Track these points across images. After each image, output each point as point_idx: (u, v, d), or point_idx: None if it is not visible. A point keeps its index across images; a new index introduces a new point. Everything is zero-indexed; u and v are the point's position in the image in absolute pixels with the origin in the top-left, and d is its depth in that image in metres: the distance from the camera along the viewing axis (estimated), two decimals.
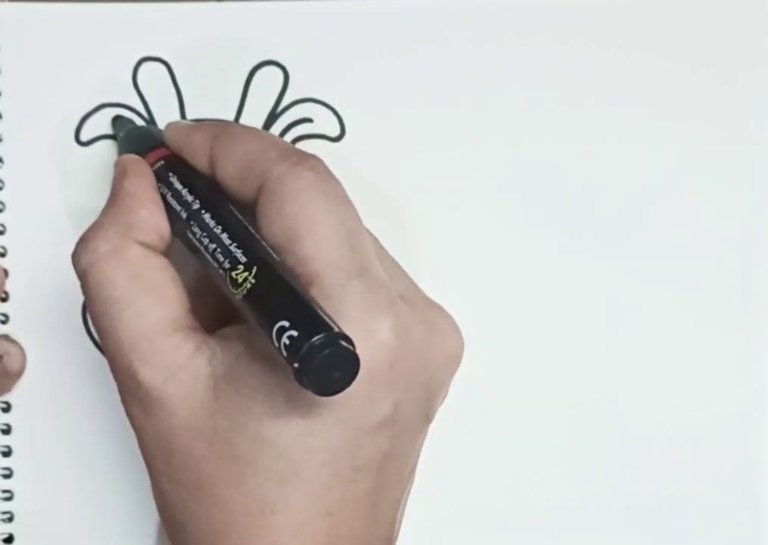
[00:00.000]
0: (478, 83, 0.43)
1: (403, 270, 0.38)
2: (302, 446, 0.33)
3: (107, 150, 0.43)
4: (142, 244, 0.36)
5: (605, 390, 0.43)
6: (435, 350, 0.36)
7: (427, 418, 0.36)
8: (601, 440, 0.43)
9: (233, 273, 0.34)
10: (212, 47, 0.42)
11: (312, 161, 0.36)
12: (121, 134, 0.41)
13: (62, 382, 0.43)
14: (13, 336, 0.43)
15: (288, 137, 0.43)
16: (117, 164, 0.39)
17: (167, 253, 0.37)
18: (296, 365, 0.31)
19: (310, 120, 0.43)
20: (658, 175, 0.43)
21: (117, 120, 0.42)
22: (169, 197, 0.37)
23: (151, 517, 0.43)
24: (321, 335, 0.31)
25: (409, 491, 0.37)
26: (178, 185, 0.37)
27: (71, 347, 0.43)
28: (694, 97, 0.43)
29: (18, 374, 0.42)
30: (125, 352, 0.35)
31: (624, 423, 0.43)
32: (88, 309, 0.37)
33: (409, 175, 0.43)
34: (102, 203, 0.42)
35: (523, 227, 0.43)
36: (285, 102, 0.43)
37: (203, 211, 0.36)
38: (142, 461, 0.42)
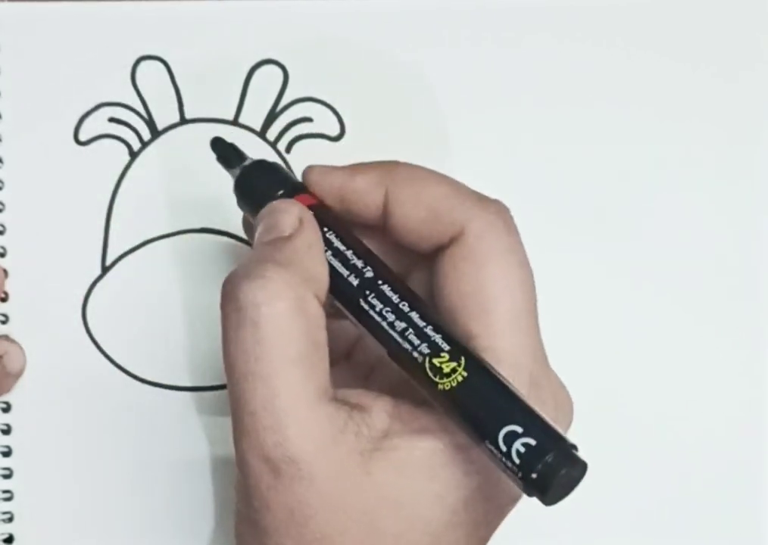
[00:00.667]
0: (478, 83, 0.43)
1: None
2: (452, 525, 0.33)
3: (106, 149, 0.43)
4: (318, 299, 0.33)
5: (605, 389, 0.43)
6: (565, 426, 0.35)
7: None
8: (601, 440, 0.43)
9: (435, 361, 0.32)
10: (211, 46, 0.42)
11: (507, 216, 0.34)
12: (238, 171, 0.37)
13: (62, 382, 0.43)
14: (13, 336, 0.43)
15: (288, 136, 0.43)
16: (288, 211, 0.34)
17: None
18: (533, 476, 0.30)
19: (309, 120, 0.43)
20: (658, 175, 0.43)
21: (219, 146, 0.38)
22: (329, 255, 0.34)
23: (151, 517, 0.43)
24: (557, 450, 0.30)
25: None
26: (339, 245, 0.34)
27: (71, 347, 0.43)
28: (694, 96, 0.43)
29: (18, 374, 0.42)
30: (279, 414, 0.32)
31: (624, 423, 0.43)
32: (236, 347, 0.32)
33: None
34: (101, 203, 0.43)
35: (523, 226, 0.43)
36: (284, 101, 0.43)
37: (379, 281, 0.33)
38: (141, 461, 0.43)
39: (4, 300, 0.43)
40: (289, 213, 0.34)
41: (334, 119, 0.43)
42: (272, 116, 0.43)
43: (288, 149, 0.43)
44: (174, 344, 0.43)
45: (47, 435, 0.43)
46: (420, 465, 0.33)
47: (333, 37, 0.43)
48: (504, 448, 0.30)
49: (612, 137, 0.43)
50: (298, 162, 0.43)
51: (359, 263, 0.34)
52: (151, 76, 0.42)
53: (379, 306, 0.33)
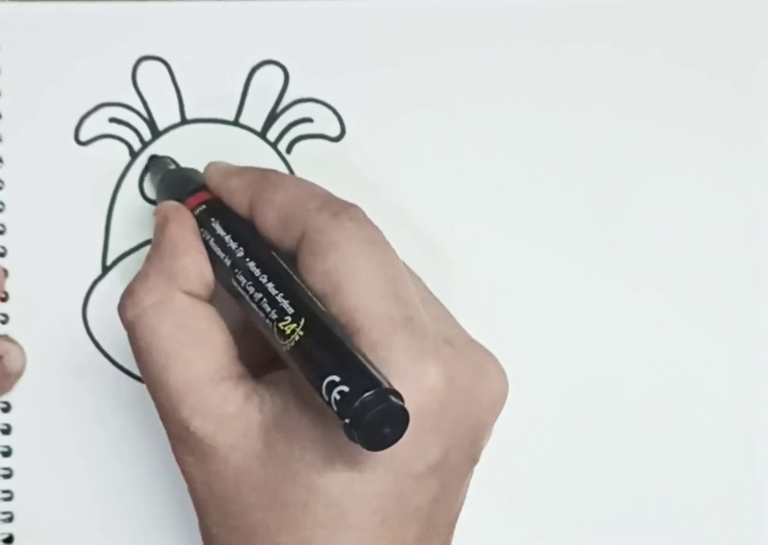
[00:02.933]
0: (478, 83, 0.43)
1: (446, 310, 0.38)
2: (353, 494, 0.34)
3: (106, 149, 0.43)
4: (187, 292, 0.36)
5: (605, 389, 0.43)
6: (481, 393, 0.36)
7: (474, 460, 0.37)
8: (601, 439, 0.43)
9: (281, 324, 0.34)
10: (212, 46, 0.42)
11: (352, 210, 0.36)
12: (159, 176, 0.41)
13: (62, 382, 0.43)
14: (13, 336, 0.42)
15: (289, 137, 0.43)
16: (157, 212, 0.39)
17: (211, 299, 0.37)
18: (347, 420, 0.31)
19: (310, 120, 0.43)
20: (658, 175, 0.43)
21: (153, 161, 0.42)
22: (212, 243, 0.37)
23: (151, 517, 0.43)
24: (372, 392, 0.31)
25: (453, 532, 0.37)
26: (220, 231, 0.37)
27: (71, 347, 0.43)
28: (694, 97, 0.43)
29: (18, 374, 0.42)
30: (174, 402, 0.35)
31: (624, 423, 0.44)
32: (136, 361, 0.37)
33: (409, 175, 0.43)
34: (102, 203, 0.43)
35: (523, 226, 0.43)
36: (285, 102, 0.43)
37: (247, 259, 0.36)
38: (141, 460, 0.43)
39: (4, 300, 0.42)
40: (158, 213, 0.38)
41: (334, 119, 0.43)
42: (272, 117, 0.43)
43: (289, 149, 0.43)
44: None
45: (47, 435, 0.43)
46: (306, 435, 0.34)
47: (333, 37, 0.43)
48: (326, 397, 0.31)
49: (612, 137, 0.43)
50: (298, 162, 0.43)
51: (233, 245, 0.37)
52: (152, 76, 0.42)
53: (243, 281, 0.36)
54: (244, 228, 0.37)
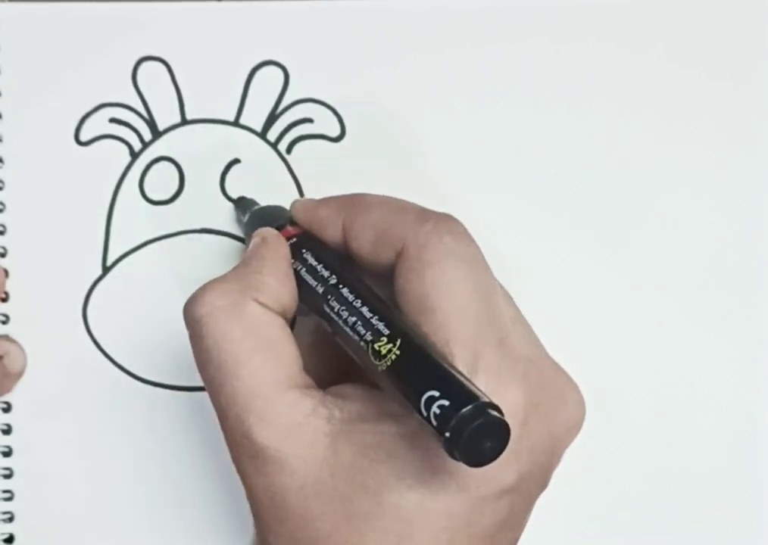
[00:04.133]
0: (479, 83, 0.43)
1: (531, 329, 0.37)
2: (423, 511, 0.33)
3: (106, 150, 0.43)
4: (260, 303, 0.36)
5: (605, 389, 0.43)
6: (560, 420, 0.36)
7: (543, 486, 0.36)
8: (601, 439, 0.43)
9: (376, 345, 0.34)
10: (212, 47, 0.42)
11: (451, 223, 0.36)
12: (247, 215, 0.42)
13: (62, 382, 0.43)
14: (13, 336, 0.43)
15: (289, 137, 0.43)
16: (256, 235, 0.39)
17: (284, 318, 0.37)
18: (447, 434, 0.30)
19: (310, 120, 0.43)
20: (659, 175, 0.43)
21: (240, 202, 0.43)
22: (303, 272, 0.38)
23: (150, 517, 0.43)
24: (472, 405, 0.30)
25: None
26: (312, 261, 0.38)
27: (71, 347, 0.43)
28: (695, 96, 0.43)
29: (18, 374, 0.42)
30: (239, 408, 0.35)
31: (624, 423, 0.44)
32: (197, 361, 0.36)
33: (409, 175, 0.43)
34: (102, 204, 0.43)
35: (523, 226, 0.43)
36: (285, 102, 0.43)
37: (340, 285, 0.36)
38: (141, 460, 0.43)
39: (4, 300, 0.42)
40: (256, 236, 0.38)
41: (335, 120, 0.43)
42: (273, 117, 0.43)
43: (289, 150, 0.43)
44: (174, 344, 0.43)
45: (47, 435, 0.43)
46: (382, 448, 0.34)
47: (333, 37, 0.43)
48: (424, 413, 0.31)
49: (613, 137, 0.43)
50: (298, 163, 0.43)
51: (326, 274, 0.37)
52: (153, 76, 0.42)
53: (337, 306, 0.36)
54: (334, 257, 0.38)
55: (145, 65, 0.42)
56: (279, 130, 0.43)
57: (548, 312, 0.43)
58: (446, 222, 0.36)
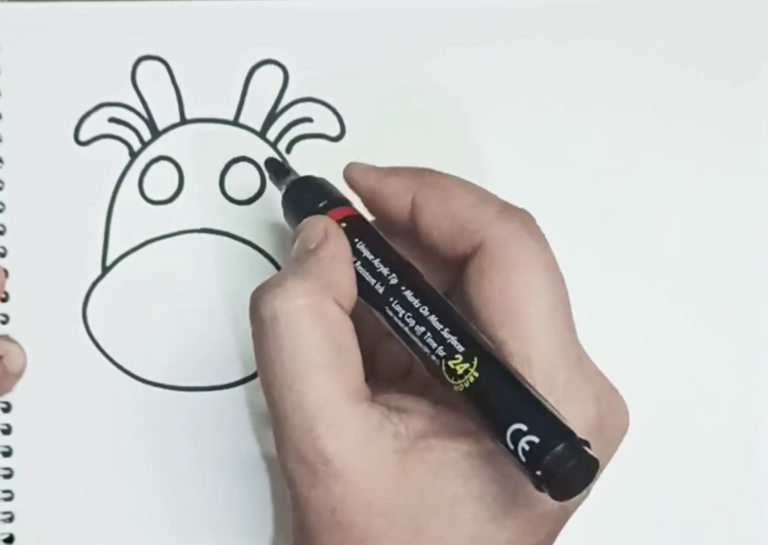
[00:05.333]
0: (478, 82, 0.43)
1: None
2: (495, 527, 0.33)
3: (106, 149, 0.43)
4: (339, 304, 0.34)
5: None
6: (613, 431, 0.35)
7: (584, 499, 0.36)
8: None
9: (451, 363, 0.32)
10: (211, 46, 0.42)
11: (532, 224, 0.35)
12: (284, 187, 0.39)
13: (62, 382, 0.43)
14: (13, 336, 0.43)
15: (288, 137, 0.43)
16: (315, 225, 0.36)
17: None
18: (538, 472, 0.30)
19: (310, 120, 0.43)
20: (658, 175, 0.43)
21: (271, 165, 0.40)
22: (358, 266, 0.35)
23: (150, 516, 0.43)
24: (565, 444, 0.30)
25: None
26: (368, 254, 0.35)
27: (71, 347, 0.43)
28: (696, 96, 0.43)
29: (18, 374, 0.42)
30: (309, 416, 0.33)
31: None
32: (263, 355, 0.34)
33: None
34: (102, 203, 0.43)
35: None
36: (284, 102, 0.43)
37: (403, 287, 0.34)
38: (141, 460, 0.42)
39: (4, 300, 0.42)
40: (315, 227, 0.36)
41: (334, 119, 0.43)
42: (272, 117, 0.43)
43: (289, 149, 0.43)
44: (174, 344, 0.43)
45: (47, 435, 0.43)
46: (455, 467, 0.33)
47: (333, 37, 0.43)
48: (511, 446, 0.30)
49: (612, 137, 0.43)
50: (298, 162, 0.43)
51: (385, 271, 0.35)
52: (152, 76, 0.42)
53: (401, 312, 0.34)
54: (391, 250, 0.36)
55: (144, 64, 0.42)
56: (278, 129, 0.43)
57: None
58: (528, 222, 0.35)
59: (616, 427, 0.35)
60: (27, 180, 0.42)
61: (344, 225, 0.36)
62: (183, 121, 0.43)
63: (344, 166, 0.38)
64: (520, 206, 0.36)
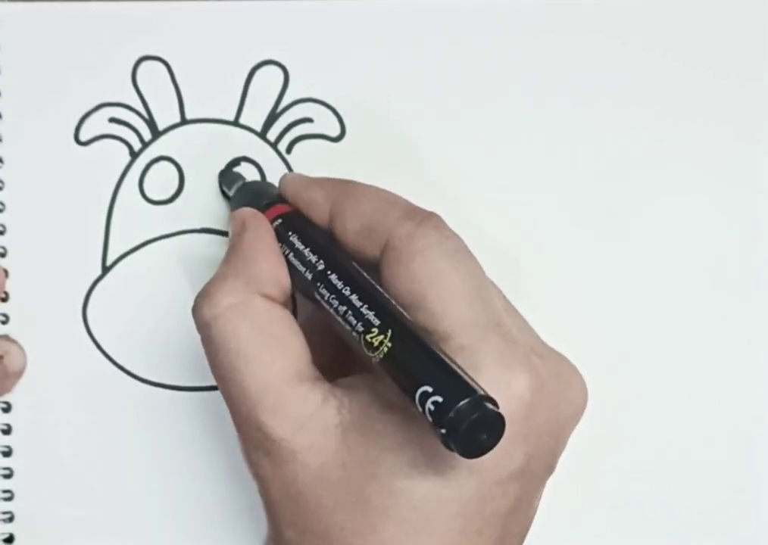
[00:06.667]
0: (479, 82, 0.43)
1: (526, 321, 0.38)
2: (435, 498, 0.33)
3: (106, 149, 0.43)
4: (265, 296, 0.36)
5: (605, 388, 0.43)
6: (564, 402, 0.36)
7: (551, 469, 0.37)
8: (601, 439, 0.43)
9: (368, 337, 0.34)
10: (212, 46, 0.42)
11: (435, 219, 0.36)
12: (232, 190, 0.42)
13: (62, 382, 0.43)
14: (13, 336, 0.42)
15: (289, 137, 0.43)
16: (234, 217, 0.39)
17: (286, 304, 0.37)
18: (443, 430, 0.31)
19: (310, 120, 0.43)
20: (661, 174, 0.43)
21: (225, 175, 0.42)
22: (291, 257, 0.37)
23: (151, 516, 0.43)
24: (467, 400, 0.31)
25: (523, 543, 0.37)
26: (299, 245, 0.37)
27: (71, 347, 0.43)
28: (696, 96, 0.43)
29: (18, 374, 0.42)
30: (251, 404, 0.35)
31: (624, 422, 0.44)
32: (209, 361, 0.36)
33: (409, 176, 0.43)
34: (102, 203, 0.43)
35: (523, 225, 0.43)
36: (285, 102, 0.43)
37: (329, 272, 0.36)
38: (140, 460, 0.43)
39: (4, 300, 0.42)
40: (235, 219, 0.39)
41: (335, 119, 0.43)
42: (272, 117, 0.43)
43: (289, 150, 0.43)
44: (174, 344, 0.43)
45: (47, 435, 0.43)
46: (390, 437, 0.34)
47: (333, 37, 0.43)
48: (420, 408, 0.31)
49: (617, 136, 0.43)
50: (298, 162, 0.43)
51: (313, 259, 0.37)
52: (152, 76, 0.42)
53: (327, 294, 0.36)
54: (322, 240, 0.37)
55: (144, 65, 0.42)
56: (279, 130, 0.43)
57: (548, 311, 0.43)
58: (430, 218, 0.36)
59: (565, 397, 0.36)
60: (27, 180, 0.42)
61: (279, 221, 0.38)
62: (184, 121, 0.43)
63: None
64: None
